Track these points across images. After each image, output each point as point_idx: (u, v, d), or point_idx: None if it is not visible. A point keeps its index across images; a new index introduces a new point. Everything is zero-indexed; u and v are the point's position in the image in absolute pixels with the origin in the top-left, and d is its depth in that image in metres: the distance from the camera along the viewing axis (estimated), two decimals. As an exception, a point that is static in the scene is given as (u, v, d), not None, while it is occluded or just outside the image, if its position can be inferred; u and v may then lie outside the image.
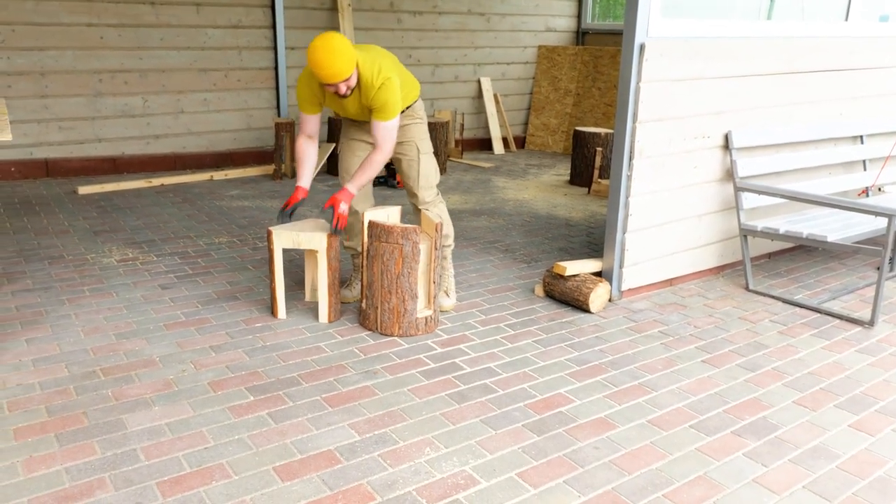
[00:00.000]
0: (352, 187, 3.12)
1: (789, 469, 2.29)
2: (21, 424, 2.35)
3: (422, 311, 3.17)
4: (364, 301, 3.20)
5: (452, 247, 3.56)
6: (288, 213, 3.22)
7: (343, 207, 3.08)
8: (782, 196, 3.66)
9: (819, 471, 2.28)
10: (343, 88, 2.98)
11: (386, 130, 3.06)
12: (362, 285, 3.18)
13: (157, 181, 5.67)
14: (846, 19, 4.43)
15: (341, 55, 2.86)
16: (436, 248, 3.11)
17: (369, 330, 3.17)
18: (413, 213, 3.43)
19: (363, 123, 3.31)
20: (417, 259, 3.03)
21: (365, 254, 3.15)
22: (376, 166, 3.12)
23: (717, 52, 3.62)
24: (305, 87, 3.14)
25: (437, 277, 3.16)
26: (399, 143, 3.30)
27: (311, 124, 3.23)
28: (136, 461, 2.18)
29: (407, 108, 3.26)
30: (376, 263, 3.05)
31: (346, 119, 3.37)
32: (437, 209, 3.41)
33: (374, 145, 3.11)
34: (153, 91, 5.96)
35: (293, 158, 6.13)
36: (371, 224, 3.05)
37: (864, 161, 4.57)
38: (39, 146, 5.64)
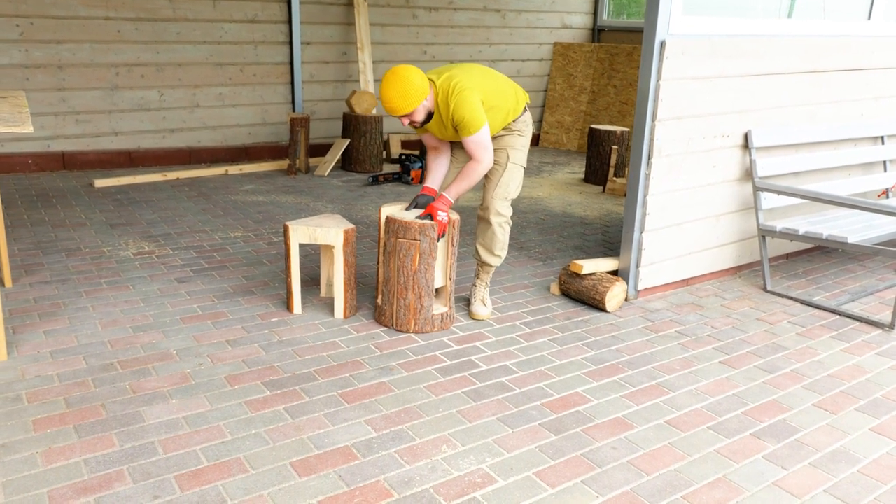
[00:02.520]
0: (449, 195, 3.10)
1: (810, 472, 2.26)
2: (40, 416, 2.36)
3: (438, 307, 3.16)
4: (380, 297, 3.19)
5: (495, 268, 3.44)
6: (408, 208, 3.19)
7: (441, 216, 3.04)
8: (802, 196, 3.62)
9: (840, 475, 2.26)
10: (406, 122, 3.02)
11: (475, 144, 3.04)
12: (379, 284, 3.18)
13: (172, 175, 5.68)
14: (868, 18, 4.38)
15: (401, 92, 2.91)
16: (452, 245, 3.10)
17: (385, 326, 3.17)
18: (477, 220, 3.36)
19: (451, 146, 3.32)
20: (434, 255, 3.02)
21: (381, 249, 3.14)
22: (474, 176, 3.10)
23: (738, 50, 3.58)
24: None
25: (453, 274, 3.15)
26: (497, 150, 3.26)
27: (427, 139, 3.27)
28: (154, 454, 2.19)
29: (513, 122, 3.23)
30: (393, 259, 3.04)
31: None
32: (501, 229, 3.27)
33: (470, 157, 3.10)
34: (169, 85, 5.98)
35: (307, 153, 6.14)
36: (388, 220, 3.05)
37: (884, 162, 4.52)
38: (56, 139, 5.67)
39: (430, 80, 3.02)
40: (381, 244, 3.14)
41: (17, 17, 5.30)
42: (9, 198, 4.90)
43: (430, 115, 3.06)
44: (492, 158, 3.10)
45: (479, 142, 3.03)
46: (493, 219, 3.24)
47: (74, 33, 5.52)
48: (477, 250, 3.38)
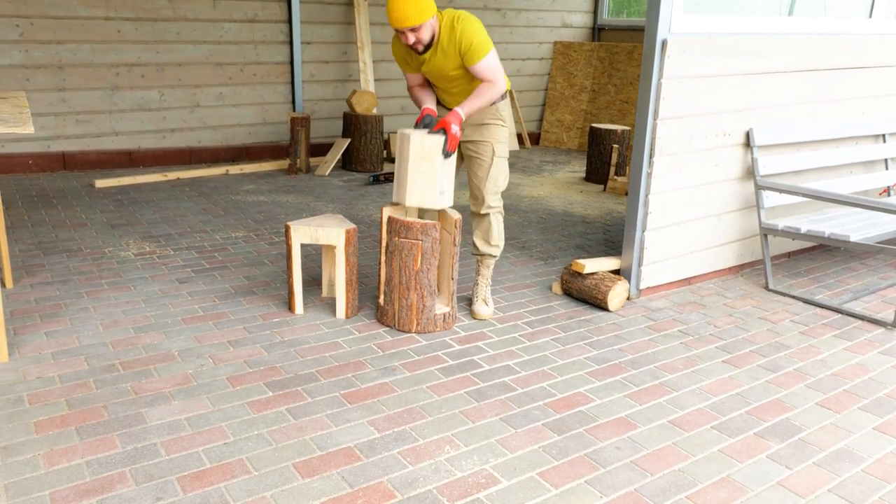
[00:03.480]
0: (462, 111, 3.01)
1: (814, 472, 2.26)
2: (42, 417, 2.35)
3: (440, 307, 3.15)
4: (382, 297, 3.18)
5: (497, 258, 3.45)
6: (425, 124, 3.10)
7: (455, 129, 2.97)
8: (804, 195, 3.62)
9: (844, 474, 2.25)
10: (411, 38, 2.91)
11: (486, 69, 2.97)
12: (381, 284, 3.18)
13: (172, 175, 5.68)
14: (870, 16, 4.37)
15: (416, 3, 2.81)
16: (454, 245, 3.10)
17: (387, 326, 3.16)
18: (470, 215, 3.38)
19: (444, 113, 3.25)
20: (436, 255, 3.02)
21: (383, 249, 3.14)
22: (489, 96, 3.02)
23: (739, 48, 3.57)
24: (395, 44, 3.14)
25: (455, 274, 3.15)
26: (475, 143, 3.24)
27: (416, 79, 3.22)
28: (156, 455, 2.18)
29: (499, 100, 3.20)
30: (395, 259, 3.03)
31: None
32: (495, 219, 3.30)
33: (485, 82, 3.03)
34: (169, 85, 5.97)
35: (308, 153, 6.13)
36: (390, 219, 3.04)
37: (886, 160, 4.51)
38: (56, 139, 5.66)
39: None
40: (383, 244, 3.13)
41: (18, 17, 5.29)
42: (9, 198, 4.89)
43: (429, 45, 2.98)
44: (504, 81, 3.05)
45: (491, 66, 2.98)
46: (486, 210, 3.28)
47: (74, 33, 5.52)
48: (474, 243, 3.38)
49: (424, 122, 3.10)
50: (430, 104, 3.19)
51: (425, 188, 3.00)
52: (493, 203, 3.28)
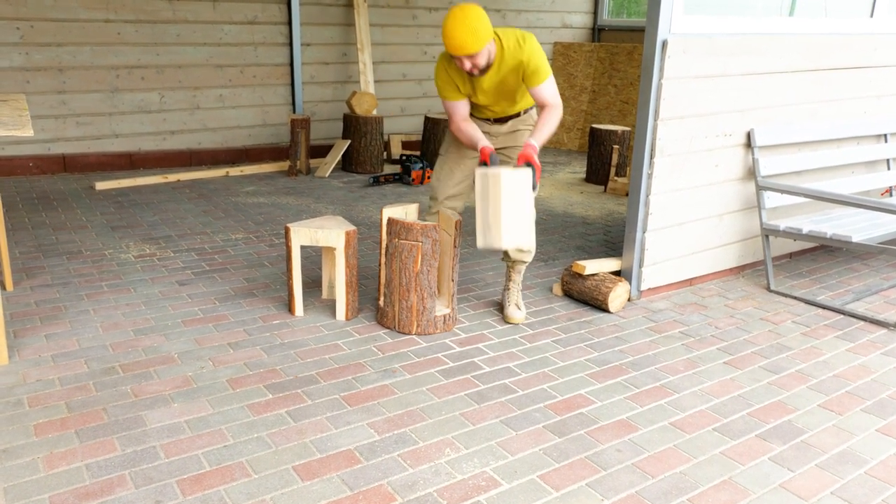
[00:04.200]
0: (536, 143, 2.97)
1: (816, 474, 2.25)
2: (41, 420, 2.35)
3: (440, 309, 3.15)
4: (382, 298, 3.18)
5: (528, 263, 3.44)
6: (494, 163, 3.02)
7: (538, 160, 2.94)
8: (806, 195, 3.60)
9: (847, 476, 2.24)
10: (468, 64, 2.87)
11: (546, 91, 2.98)
12: (381, 285, 3.17)
13: (172, 177, 5.67)
14: (871, 16, 4.36)
15: (473, 27, 2.76)
16: (455, 247, 3.09)
17: (387, 328, 3.15)
18: None
19: (481, 124, 3.20)
20: (437, 257, 3.01)
21: (383, 251, 3.13)
22: (555, 121, 3.01)
23: (740, 48, 3.57)
24: (443, 70, 3.04)
25: (455, 275, 3.14)
26: (508, 149, 3.24)
27: (461, 109, 3.09)
28: (155, 458, 2.17)
29: (524, 111, 3.20)
30: (395, 261, 3.03)
31: (451, 141, 3.26)
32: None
33: (545, 108, 3.01)
34: (169, 87, 5.97)
35: (308, 155, 6.12)
36: (390, 221, 3.03)
37: (888, 160, 4.50)
38: (57, 141, 5.66)
39: None
40: (383, 246, 3.12)
41: (18, 20, 5.29)
42: (10, 200, 4.89)
43: (485, 68, 2.94)
44: (560, 102, 3.05)
45: (552, 87, 2.99)
46: None
47: (75, 36, 5.51)
48: (506, 252, 3.37)
49: (492, 160, 3.02)
50: (486, 142, 3.08)
51: (520, 226, 2.84)
52: None
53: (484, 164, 3.00)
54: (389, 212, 3.13)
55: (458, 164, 3.26)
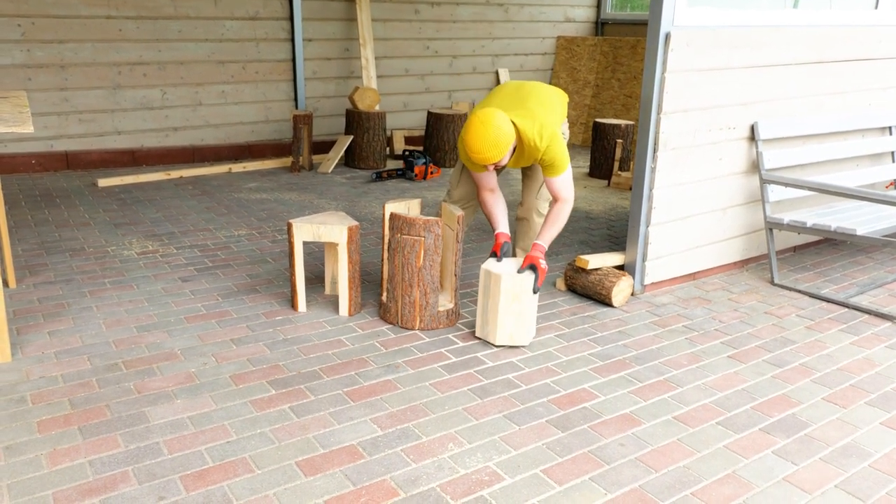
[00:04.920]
0: (543, 243, 3.03)
1: (820, 468, 2.24)
2: (45, 417, 2.35)
3: (443, 304, 3.14)
4: (385, 294, 3.17)
5: None
6: (498, 259, 3.07)
7: (543, 264, 2.96)
8: (810, 188, 3.59)
9: (851, 469, 2.23)
10: (491, 167, 2.95)
11: (563, 183, 3.03)
12: (384, 281, 3.16)
13: (175, 174, 5.68)
14: (876, 7, 4.33)
15: (494, 141, 2.80)
16: (458, 241, 3.08)
17: (390, 323, 3.15)
18: (516, 221, 3.48)
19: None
20: (439, 252, 3.00)
21: (386, 246, 3.12)
22: (564, 218, 3.06)
23: (744, 41, 3.54)
24: (466, 158, 3.03)
25: (458, 270, 3.13)
26: (530, 168, 3.30)
27: (487, 180, 3.12)
28: (159, 455, 2.18)
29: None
30: (397, 256, 3.02)
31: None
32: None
33: (555, 199, 3.07)
34: (172, 83, 5.97)
35: (310, 151, 6.12)
36: (392, 216, 3.02)
37: (892, 153, 4.47)
38: (59, 139, 5.66)
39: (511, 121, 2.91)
40: (386, 241, 3.12)
41: (19, 16, 5.29)
42: (13, 198, 4.89)
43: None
44: (573, 197, 3.09)
45: (567, 182, 3.04)
46: (536, 218, 3.37)
47: (76, 32, 5.51)
48: (523, 249, 3.49)
49: (504, 252, 3.06)
50: (503, 226, 3.12)
51: (516, 327, 2.91)
52: (544, 210, 3.37)
53: (494, 254, 3.07)
54: (392, 207, 3.12)
55: (470, 178, 3.31)
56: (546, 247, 3.03)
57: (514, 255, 3.52)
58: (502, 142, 2.82)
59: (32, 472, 2.08)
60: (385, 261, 3.15)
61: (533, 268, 2.93)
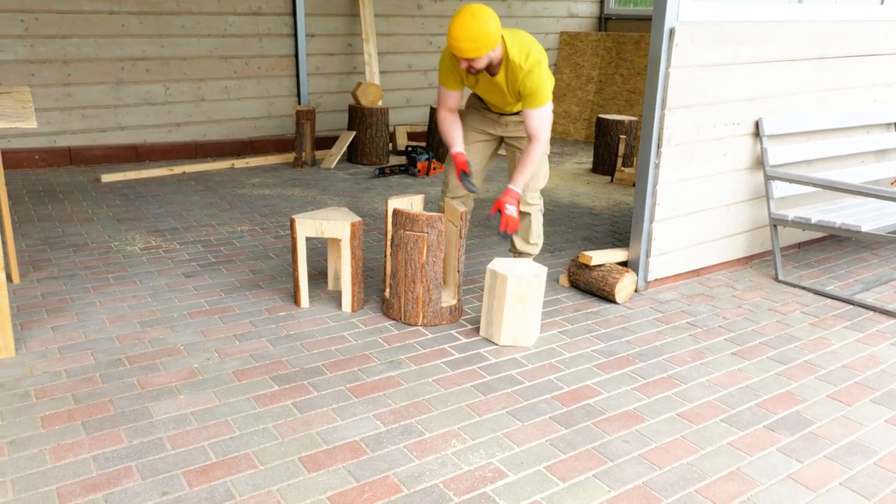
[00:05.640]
0: (516, 187, 3.03)
1: (825, 465, 2.23)
2: (48, 412, 2.35)
3: (447, 300, 3.14)
4: (388, 290, 3.17)
5: (534, 255, 3.53)
6: (469, 179, 3.08)
7: (511, 210, 2.97)
8: (814, 185, 3.57)
9: (856, 467, 2.23)
10: (464, 65, 2.88)
11: (539, 118, 2.96)
12: (386, 277, 3.16)
13: (178, 169, 5.67)
14: (881, 2, 4.31)
15: (475, 34, 2.76)
16: (461, 237, 3.08)
17: (393, 319, 3.14)
18: None
19: (487, 114, 3.22)
20: (442, 248, 3.00)
21: (389, 242, 3.12)
22: (537, 159, 3.02)
23: (749, 36, 3.53)
24: (448, 60, 3.05)
25: (461, 266, 3.13)
26: (519, 139, 3.25)
27: (453, 99, 3.12)
28: (162, 450, 2.18)
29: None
30: (400, 252, 3.02)
31: (470, 106, 3.29)
32: (536, 217, 3.37)
33: (528, 138, 3.03)
34: (174, 79, 5.96)
35: (313, 146, 6.11)
36: (395, 212, 3.02)
37: (897, 149, 4.45)
38: (62, 134, 5.66)
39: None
40: (389, 237, 3.11)
41: (22, 12, 5.28)
42: (16, 193, 4.90)
43: (488, 68, 2.94)
44: (548, 137, 3.03)
45: (544, 116, 2.97)
46: (525, 208, 3.32)
47: (79, 28, 5.51)
48: (513, 243, 3.46)
49: (466, 184, 3.03)
50: (459, 146, 3.09)
51: (520, 329, 2.91)
52: (533, 201, 3.33)
53: (464, 173, 3.06)
54: (395, 203, 3.12)
55: (469, 157, 3.28)
56: (518, 191, 3.01)
57: (510, 241, 3.51)
58: (485, 39, 2.78)
59: (36, 467, 2.08)
60: (388, 257, 3.14)
61: (500, 212, 2.97)
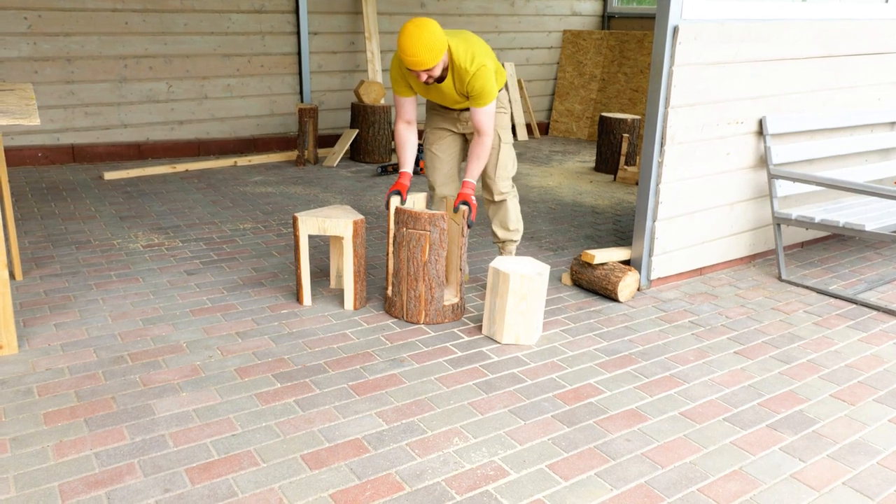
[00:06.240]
0: (472, 179, 3.13)
1: (828, 465, 2.23)
2: (51, 409, 2.35)
3: (449, 298, 3.13)
4: (390, 288, 3.17)
5: (518, 242, 3.58)
6: (402, 201, 3.16)
7: (474, 199, 3.10)
8: (818, 184, 3.56)
9: (859, 467, 2.22)
10: (424, 76, 2.96)
11: (485, 115, 3.07)
12: (389, 275, 3.16)
13: (181, 167, 5.68)
14: (886, 1, 4.29)
15: (428, 45, 2.84)
16: (462, 235, 3.07)
17: (395, 317, 3.14)
18: (484, 205, 3.53)
19: (447, 112, 3.30)
20: (445, 246, 2.99)
21: (391, 240, 3.12)
22: (486, 151, 3.13)
23: (753, 35, 3.52)
24: (396, 69, 3.12)
25: (463, 265, 3.12)
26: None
27: (408, 108, 3.22)
28: (164, 447, 2.18)
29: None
30: (402, 250, 3.01)
31: (430, 108, 3.38)
32: (511, 203, 3.44)
33: (477, 132, 3.11)
34: (177, 77, 5.96)
35: (316, 144, 6.11)
36: (398, 211, 3.02)
37: (901, 148, 4.44)
38: (66, 132, 5.67)
39: None
40: (391, 235, 3.11)
41: (25, 9, 5.29)
42: (19, 190, 4.90)
43: (442, 76, 3.03)
44: (493, 131, 3.14)
45: (490, 113, 3.08)
46: (499, 197, 3.40)
47: (82, 25, 5.51)
48: (494, 232, 3.53)
49: (398, 195, 3.16)
50: (409, 166, 3.23)
51: (523, 327, 2.91)
52: (505, 189, 3.39)
53: (397, 192, 3.14)
54: (396, 201, 3.11)
55: (441, 154, 3.37)
56: (474, 182, 3.14)
57: (490, 231, 3.53)
58: (436, 47, 2.85)
59: (39, 463, 2.08)
60: (390, 255, 3.14)
61: (466, 203, 3.06)
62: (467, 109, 3.26)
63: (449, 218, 3.14)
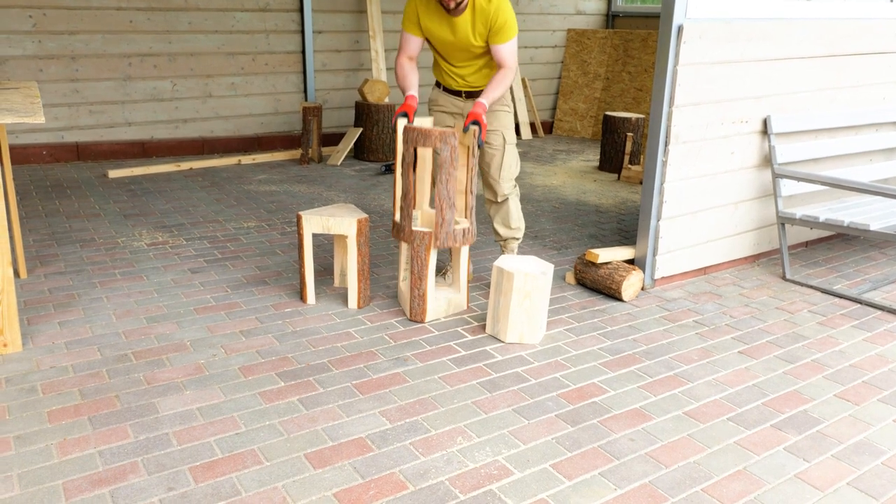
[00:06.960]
0: (485, 101, 3.09)
1: (832, 465, 2.22)
2: (55, 407, 2.36)
3: (460, 222, 3.11)
4: (397, 213, 3.11)
5: (520, 240, 3.57)
6: (405, 118, 3.13)
7: (485, 118, 3.07)
8: (823, 183, 3.55)
9: (864, 467, 2.21)
10: (452, 3, 2.95)
11: (509, 51, 3.08)
12: (395, 200, 3.17)
13: (185, 165, 5.68)
14: (892, 1, 4.27)
15: None
16: (472, 156, 3.06)
17: (400, 316, 3.14)
18: (486, 205, 3.52)
19: (452, 102, 3.27)
20: (455, 165, 2.94)
21: (399, 161, 3.08)
22: (507, 83, 3.12)
23: (757, 34, 3.51)
24: (412, 6, 3.13)
25: (473, 188, 3.09)
26: (487, 132, 3.29)
27: (413, 46, 3.22)
28: (168, 445, 2.18)
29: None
30: (412, 170, 2.97)
31: (434, 105, 3.34)
32: (513, 202, 3.43)
33: (499, 66, 3.11)
34: (182, 75, 5.97)
35: (320, 143, 6.11)
36: (406, 129, 2.98)
37: (907, 147, 4.42)
38: (70, 130, 5.68)
39: None
40: (399, 156, 3.08)
41: (30, 7, 5.30)
42: (24, 188, 4.91)
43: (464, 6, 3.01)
44: (517, 66, 3.15)
45: (514, 50, 3.09)
46: (502, 198, 3.40)
47: (87, 24, 5.52)
48: (496, 231, 3.53)
49: (402, 117, 3.12)
50: (413, 90, 3.20)
51: (526, 326, 2.91)
52: (508, 190, 3.39)
53: (404, 114, 3.10)
54: (404, 121, 3.08)
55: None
56: (488, 105, 3.11)
57: (493, 230, 3.52)
58: None
59: (42, 461, 2.08)
60: (398, 178, 3.10)
61: (476, 123, 3.02)
62: (473, 94, 3.24)
63: (460, 143, 3.10)
